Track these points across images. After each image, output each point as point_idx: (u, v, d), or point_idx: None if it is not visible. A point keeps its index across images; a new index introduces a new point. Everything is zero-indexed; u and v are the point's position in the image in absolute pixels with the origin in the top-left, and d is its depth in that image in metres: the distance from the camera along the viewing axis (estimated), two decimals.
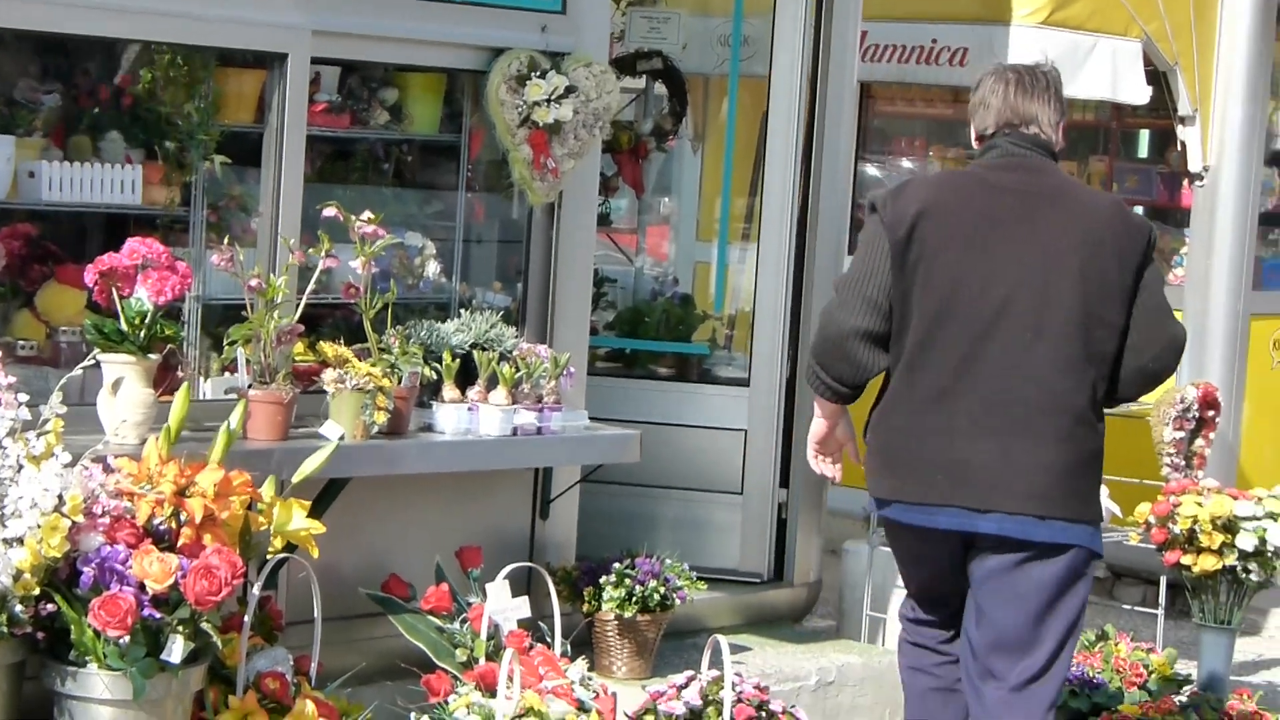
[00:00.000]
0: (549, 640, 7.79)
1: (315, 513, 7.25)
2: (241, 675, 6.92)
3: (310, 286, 7.68)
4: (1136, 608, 10.65)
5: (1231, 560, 9.28)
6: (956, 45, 10.91)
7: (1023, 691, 7.10)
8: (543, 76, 8.35)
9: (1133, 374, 7.24)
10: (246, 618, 6.91)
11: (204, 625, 6.59)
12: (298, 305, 7.63)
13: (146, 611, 6.47)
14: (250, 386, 7.51)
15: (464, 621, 7.81)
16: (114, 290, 7.12)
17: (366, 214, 7.85)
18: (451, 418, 8.09)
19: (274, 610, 7.18)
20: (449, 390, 8.12)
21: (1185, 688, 9.12)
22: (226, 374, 7.68)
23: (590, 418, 8.62)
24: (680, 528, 9.58)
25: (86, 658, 6.48)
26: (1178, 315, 11.65)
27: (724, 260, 10.48)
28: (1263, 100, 11.76)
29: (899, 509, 7.27)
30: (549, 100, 8.34)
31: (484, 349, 8.24)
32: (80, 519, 6.55)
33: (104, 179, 7.66)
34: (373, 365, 7.80)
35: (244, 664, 6.93)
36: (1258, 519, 9.29)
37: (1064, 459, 7.09)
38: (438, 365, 8.11)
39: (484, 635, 7.70)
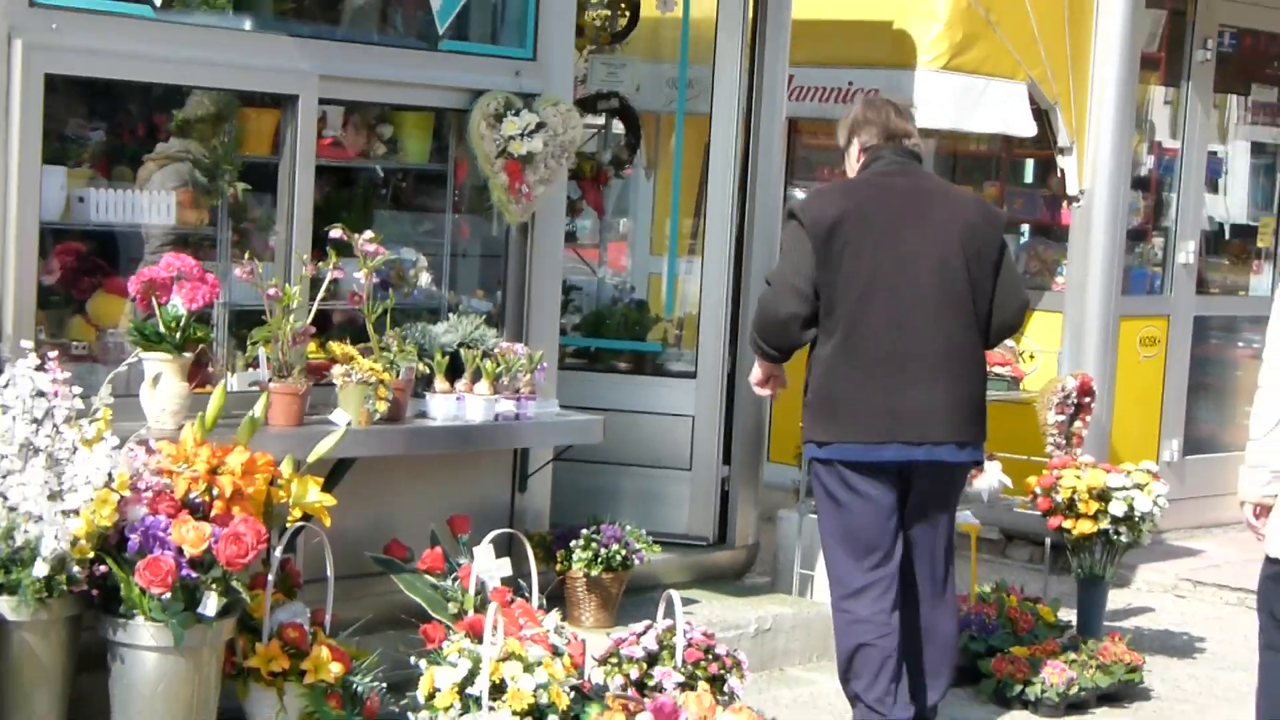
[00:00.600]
0: (527, 595, 7.81)
1: (327, 488, 7.26)
2: (266, 625, 6.95)
3: (320, 295, 7.68)
4: (1026, 565, 10.69)
5: (1105, 524, 9.34)
6: (869, 87, 10.86)
7: (950, 586, 7.93)
8: (517, 114, 8.36)
9: (998, 327, 8.03)
10: (270, 577, 6.94)
11: (234, 583, 6.63)
12: (310, 310, 7.65)
13: (184, 572, 6.50)
14: (270, 380, 7.53)
15: (455, 579, 7.83)
16: (153, 298, 7.14)
17: (368, 233, 7.87)
18: (442, 406, 8.11)
19: (293, 570, 7.20)
20: (440, 383, 8.14)
21: (1066, 632, 9.17)
22: (249, 369, 7.68)
23: (560, 406, 8.64)
24: (638, 499, 9.59)
25: (134, 611, 6.50)
26: (1059, 317, 11.78)
27: (673, 271, 10.49)
28: (1129, 134, 11.78)
29: (853, 449, 7.71)
30: (522, 135, 8.36)
31: (469, 347, 8.26)
32: (127, 493, 6.57)
33: (142, 203, 7.69)
34: (374, 362, 7.83)
35: (268, 616, 6.95)
36: (1127, 489, 9.35)
37: (967, 396, 7.85)
38: (430, 361, 8.14)
39: (472, 591, 7.73)
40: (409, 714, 7.11)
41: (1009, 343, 10.19)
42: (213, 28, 7.66)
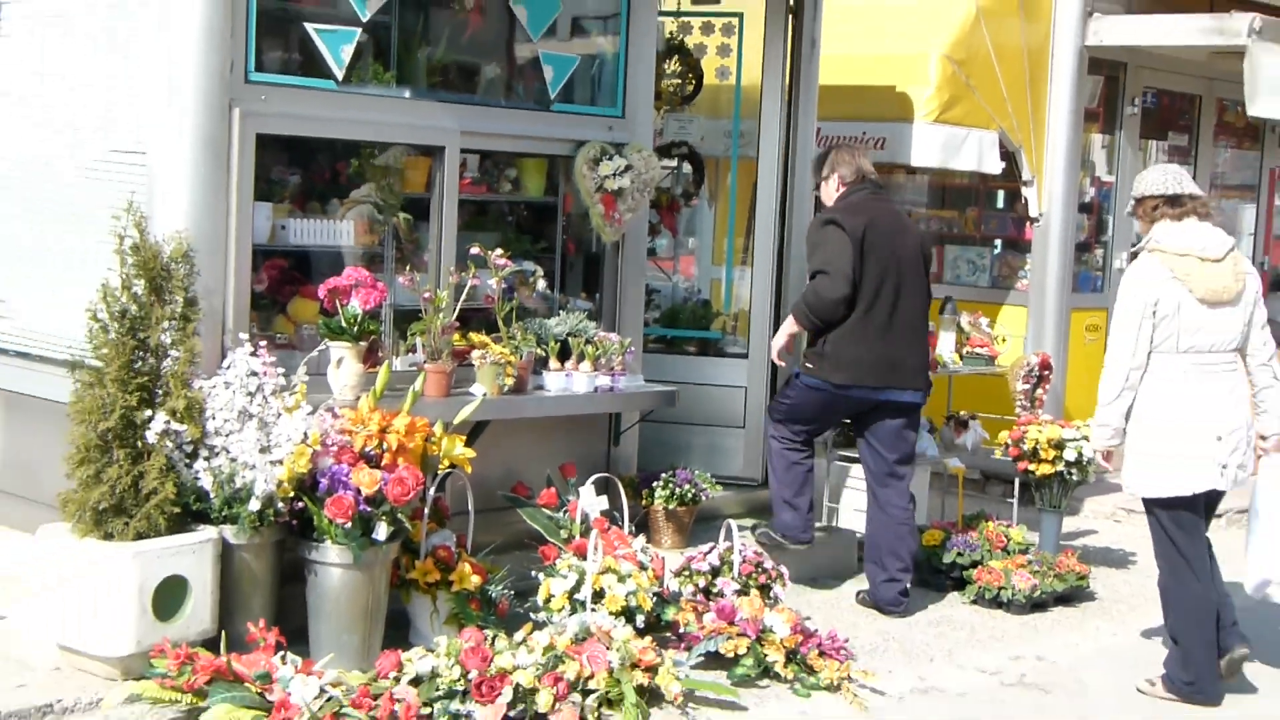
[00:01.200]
0: (620, 524, 7.82)
1: (469, 443, 7.28)
2: (423, 547, 6.97)
3: (462, 297, 7.71)
4: (1000, 499, 10.65)
5: (1060, 467, 9.26)
6: (878, 136, 10.86)
7: (904, 479, 8.47)
8: (610, 159, 8.36)
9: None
10: (425, 510, 6.97)
11: (398, 515, 6.66)
12: (454, 309, 7.67)
13: (361, 507, 6.53)
14: (425, 362, 7.57)
15: (565, 512, 7.85)
16: (337, 301, 7.17)
17: (498, 250, 7.90)
18: (555, 381, 8.13)
19: (442, 506, 7.22)
20: (553, 363, 8.15)
21: (1030, 549, 9.12)
22: (409, 354, 7.71)
23: (644, 380, 8.64)
24: (703, 450, 9.58)
25: (324, 537, 6.55)
26: (1024, 310, 11.74)
27: (730, 277, 10.45)
28: (1075, 170, 11.71)
29: (858, 390, 8.25)
30: (614, 174, 8.36)
31: (575, 336, 8.27)
32: (318, 448, 6.61)
33: (330, 229, 7.72)
34: (503, 347, 7.85)
35: (424, 540, 6.98)
36: (1077, 440, 9.27)
37: (925, 358, 8.54)
38: (545, 347, 8.15)
39: (578, 521, 7.74)
40: (531, 614, 7.13)
41: (986, 329, 10.14)
42: (380, 96, 7.69)
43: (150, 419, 6.38)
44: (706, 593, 7.69)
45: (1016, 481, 9.82)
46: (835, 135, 11.04)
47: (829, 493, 9.57)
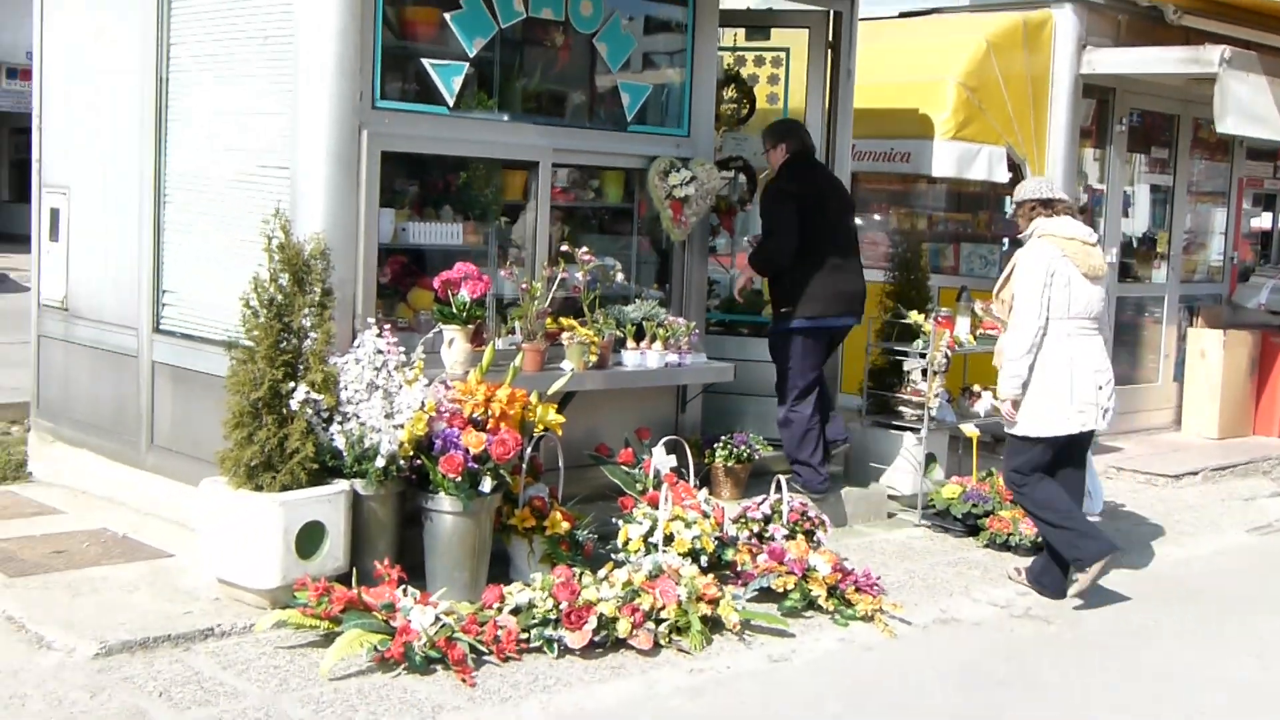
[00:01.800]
0: (687, 479, 7.78)
1: (559, 410, 7.27)
2: (521, 498, 6.96)
3: (554, 288, 7.68)
4: None
5: None
6: (903, 151, 10.79)
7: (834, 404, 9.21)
8: (678, 171, 8.30)
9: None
10: (523, 466, 6.95)
11: (500, 471, 6.65)
12: (547, 298, 7.63)
13: (469, 464, 6.53)
14: (523, 342, 7.54)
15: (640, 469, 7.82)
16: (449, 290, 7.16)
17: (584, 248, 7.87)
18: (631, 358, 8.07)
19: (537, 463, 7.18)
20: (630, 343, 8.10)
21: None
22: (509, 335, 7.69)
23: (706, 357, 8.59)
24: (757, 417, 9.48)
25: (438, 489, 6.55)
26: None
27: None
28: (1072, 179, 11.60)
29: (826, 320, 8.71)
30: (681, 184, 8.30)
31: (649, 320, 8.21)
32: (433, 414, 6.61)
33: (442, 230, 7.69)
34: (588, 329, 7.81)
35: (522, 492, 6.96)
36: None
37: (864, 285, 8.95)
38: (623, 330, 8.10)
39: (651, 476, 7.71)
40: (611, 555, 7.10)
41: (997, 313, 10.02)
42: (484, 120, 7.66)
43: (293, 390, 6.40)
44: (760, 537, 7.65)
45: None
46: (867, 150, 10.97)
47: (867, 453, 9.51)
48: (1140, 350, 13.05)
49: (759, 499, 7.93)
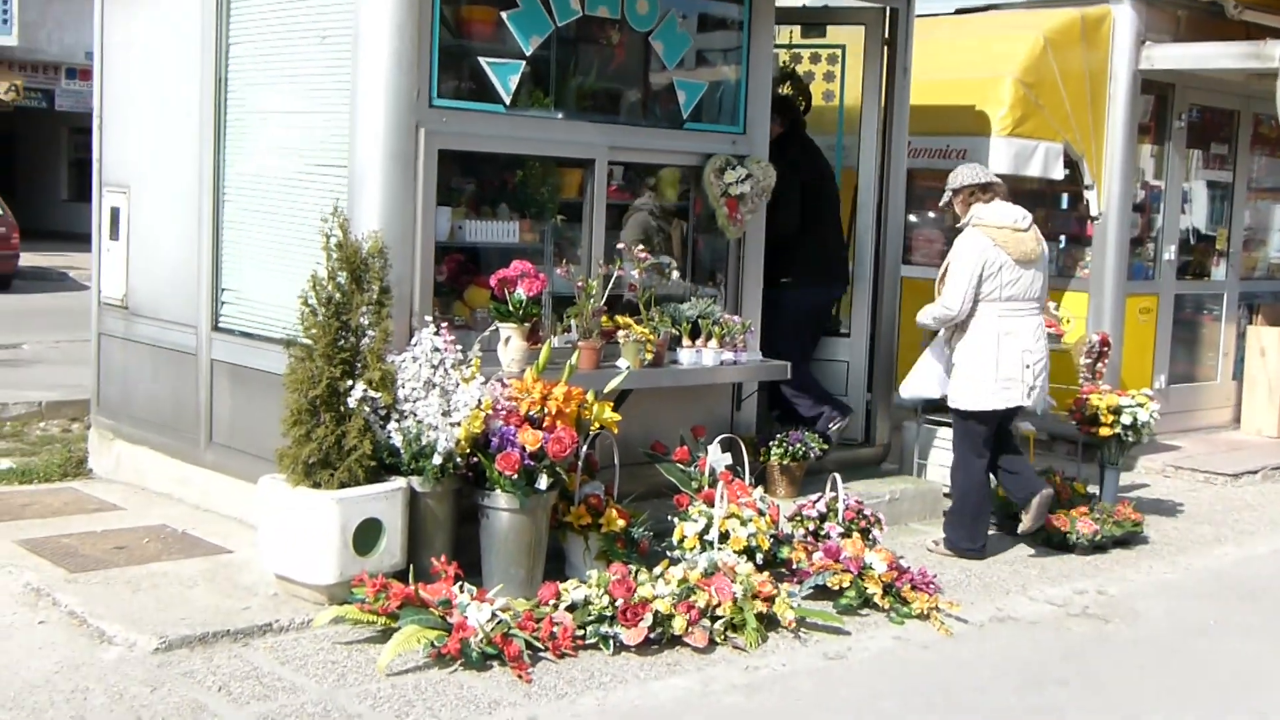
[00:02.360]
0: (742, 477, 7.77)
1: (615, 408, 7.26)
2: (577, 495, 6.97)
3: (609, 285, 7.68)
4: (1065, 457, 10.47)
5: (1118, 430, 9.13)
6: (959, 148, 10.73)
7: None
8: (734, 169, 8.28)
9: None
10: (579, 464, 6.96)
11: (557, 469, 6.66)
12: (603, 295, 7.63)
13: (526, 461, 6.54)
14: (579, 340, 7.55)
15: (696, 467, 7.80)
16: (505, 289, 7.18)
17: (640, 246, 7.87)
18: (687, 356, 8.06)
19: (593, 461, 7.20)
20: (685, 341, 8.09)
21: (1092, 500, 8.98)
22: (565, 333, 7.69)
23: (761, 355, 8.57)
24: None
25: (495, 486, 6.56)
26: (1085, 295, 11.55)
27: None
28: (1131, 177, 11.52)
29: (824, 290, 9.47)
30: (737, 182, 8.28)
31: (704, 318, 8.20)
32: (490, 412, 6.63)
33: (499, 228, 7.71)
34: (644, 328, 7.81)
35: (578, 489, 6.97)
36: (1132, 407, 9.15)
37: (846, 253, 9.64)
38: (679, 327, 8.09)
39: (706, 474, 7.69)
40: (667, 552, 7.10)
41: (1054, 311, 10.03)
42: (541, 118, 7.67)
43: (351, 388, 6.43)
44: (815, 535, 7.64)
45: (1080, 443, 9.66)
46: (923, 148, 10.91)
47: (918, 450, 9.48)
48: (1199, 348, 12.95)
49: (814, 497, 7.91)
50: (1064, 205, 12.30)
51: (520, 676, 5.84)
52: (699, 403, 8.41)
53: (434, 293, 7.20)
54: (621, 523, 6.94)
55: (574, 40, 8.08)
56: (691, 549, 7.07)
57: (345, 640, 6.12)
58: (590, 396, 7.03)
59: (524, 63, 7.50)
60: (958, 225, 8.34)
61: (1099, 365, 9.80)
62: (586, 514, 6.92)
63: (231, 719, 5.30)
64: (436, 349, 6.66)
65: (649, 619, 6.26)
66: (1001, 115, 10.65)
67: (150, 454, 8.55)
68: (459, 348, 6.74)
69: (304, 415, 6.43)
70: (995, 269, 8.06)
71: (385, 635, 6.01)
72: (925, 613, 6.99)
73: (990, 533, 8.48)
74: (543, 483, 6.58)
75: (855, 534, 7.61)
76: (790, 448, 8.62)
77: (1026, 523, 8.29)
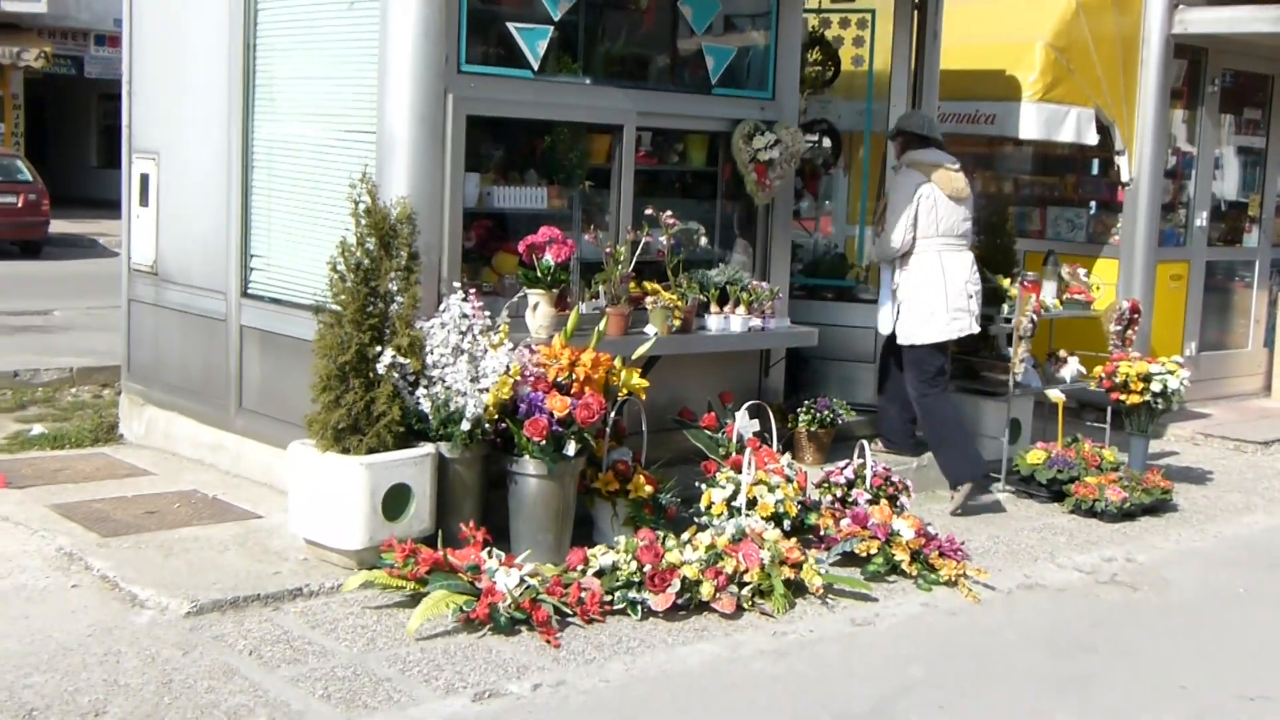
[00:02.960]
0: (770, 443, 7.78)
1: (643, 375, 7.28)
2: (605, 461, 6.99)
3: (638, 252, 7.68)
4: (1094, 425, 10.43)
5: (1147, 398, 9.11)
6: (988, 113, 10.70)
7: None
8: (762, 135, 8.27)
9: None
10: (607, 430, 6.98)
11: (585, 435, 6.67)
12: (631, 261, 7.64)
13: (554, 428, 6.55)
14: (607, 306, 7.55)
15: (723, 433, 7.81)
16: (534, 255, 7.18)
17: (668, 212, 7.84)
18: (715, 323, 8.07)
19: (621, 427, 7.21)
20: (713, 308, 8.10)
21: (1121, 467, 8.96)
22: (593, 300, 7.70)
23: (790, 322, 8.57)
24: (839, 381, 9.47)
25: (523, 452, 6.58)
26: (1115, 262, 11.50)
27: (861, 234, 10.32)
28: (1162, 143, 11.45)
29: None
30: (766, 147, 8.26)
31: (732, 284, 8.21)
32: (518, 378, 6.64)
33: (527, 194, 7.72)
34: (672, 294, 7.81)
35: (606, 455, 6.99)
36: (1162, 374, 9.12)
37: None
38: (707, 294, 8.10)
39: (734, 440, 7.70)
40: (695, 518, 7.11)
41: (1084, 278, 10.01)
42: (569, 83, 7.66)
43: (380, 354, 6.45)
44: (843, 501, 7.63)
45: (1109, 409, 9.64)
46: (953, 113, 10.87)
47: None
48: (1230, 315, 12.89)
49: (842, 464, 7.91)
50: (1095, 171, 12.26)
51: (548, 641, 5.86)
52: (727, 369, 8.42)
53: (462, 259, 7.21)
54: (649, 489, 6.96)
55: (602, 5, 8.08)
56: (719, 515, 7.08)
57: (375, 605, 6.15)
58: (618, 362, 7.04)
59: (552, 28, 7.49)
60: (894, 166, 8.85)
61: (1129, 332, 9.77)
62: (614, 480, 6.93)
63: (262, 682, 5.33)
64: (465, 315, 6.67)
65: (676, 585, 6.28)
66: (1032, 80, 10.61)
67: (180, 419, 8.59)
68: (487, 314, 6.75)
69: (333, 381, 6.45)
70: (931, 203, 8.49)
71: (414, 600, 6.04)
72: (953, 579, 6.99)
73: (1012, 493, 8.48)
74: (570, 449, 6.60)
75: (883, 501, 7.61)
76: (818, 414, 8.63)
77: (956, 500, 8.47)
